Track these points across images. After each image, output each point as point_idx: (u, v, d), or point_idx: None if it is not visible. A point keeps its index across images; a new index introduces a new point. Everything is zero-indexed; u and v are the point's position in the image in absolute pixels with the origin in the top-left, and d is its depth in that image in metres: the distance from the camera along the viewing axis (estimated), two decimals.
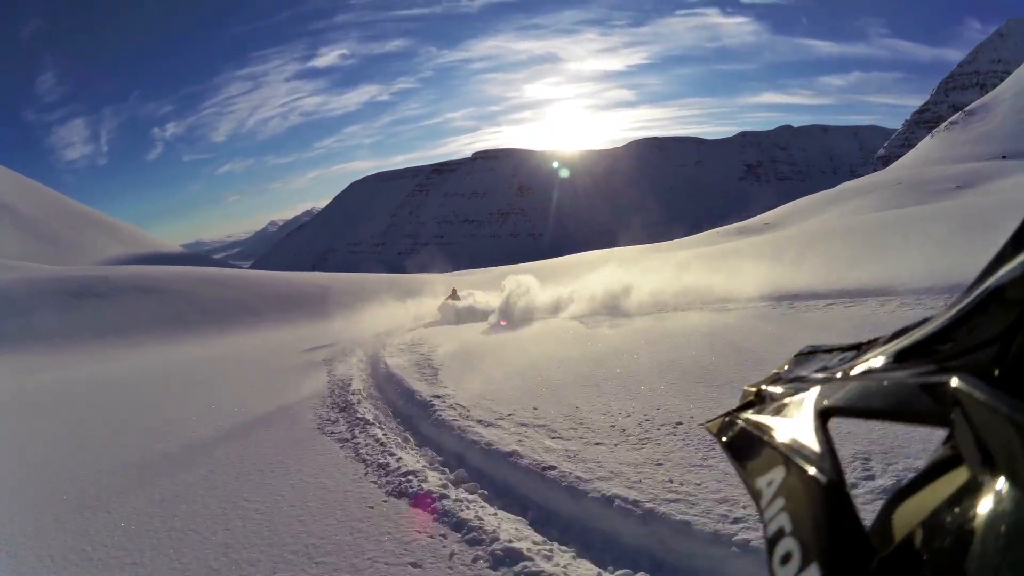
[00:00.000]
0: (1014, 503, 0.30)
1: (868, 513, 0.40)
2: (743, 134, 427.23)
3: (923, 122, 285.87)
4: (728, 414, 0.64)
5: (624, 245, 57.01)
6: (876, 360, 0.47)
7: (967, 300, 0.39)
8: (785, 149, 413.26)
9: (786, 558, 0.40)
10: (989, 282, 0.38)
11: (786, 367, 0.67)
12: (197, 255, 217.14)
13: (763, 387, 0.64)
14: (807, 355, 0.67)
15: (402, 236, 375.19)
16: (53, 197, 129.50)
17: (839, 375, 0.51)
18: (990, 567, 0.29)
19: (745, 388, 0.67)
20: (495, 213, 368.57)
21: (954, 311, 0.40)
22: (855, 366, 0.49)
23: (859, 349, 0.56)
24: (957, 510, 0.34)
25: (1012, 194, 26.27)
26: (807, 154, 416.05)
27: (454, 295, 16.83)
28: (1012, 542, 0.29)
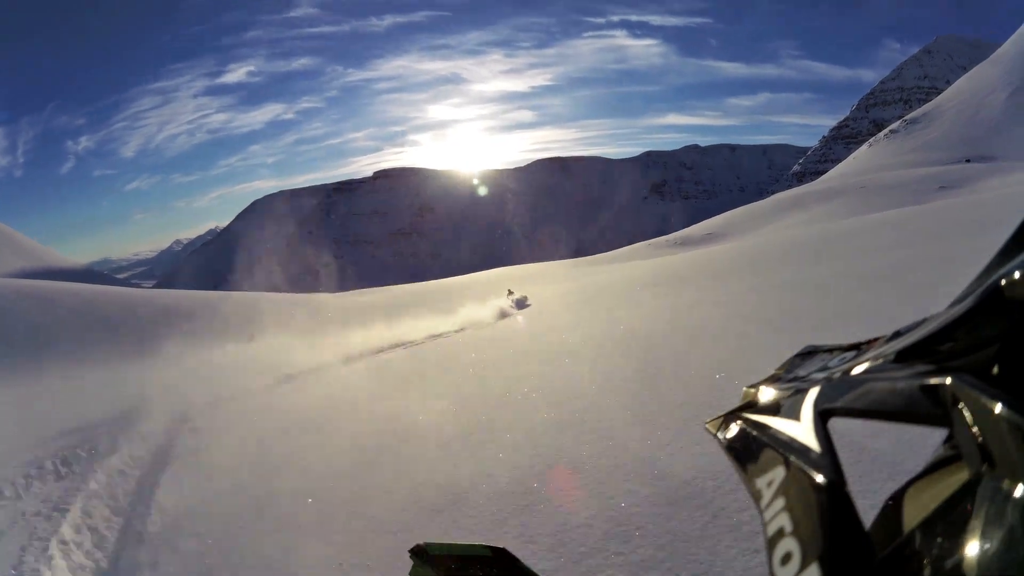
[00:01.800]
0: (1014, 503, 0.29)
1: (868, 513, 0.40)
2: (648, 153, 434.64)
3: (841, 137, 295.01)
4: (728, 414, 0.64)
5: (530, 263, 54.98)
6: (876, 360, 0.47)
7: (967, 300, 0.39)
8: (691, 168, 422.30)
9: (786, 558, 0.39)
10: (989, 282, 0.37)
11: (786, 367, 0.67)
12: (94, 272, 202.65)
13: (763, 387, 0.63)
14: (807, 355, 0.66)
15: (303, 255, 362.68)
16: None
17: (839, 375, 0.51)
18: (990, 567, 0.29)
19: (745, 388, 0.66)
20: (395, 233, 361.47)
21: (954, 311, 0.40)
22: (855, 366, 0.49)
23: (859, 349, 0.55)
24: (957, 510, 0.34)
25: (1009, 190, 27.23)
26: (714, 173, 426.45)
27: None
28: (1012, 542, 0.29)
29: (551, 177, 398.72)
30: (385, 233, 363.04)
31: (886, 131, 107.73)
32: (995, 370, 0.35)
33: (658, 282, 16.13)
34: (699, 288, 12.53)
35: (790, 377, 0.62)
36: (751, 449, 0.54)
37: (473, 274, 48.31)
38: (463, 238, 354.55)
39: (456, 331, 13.73)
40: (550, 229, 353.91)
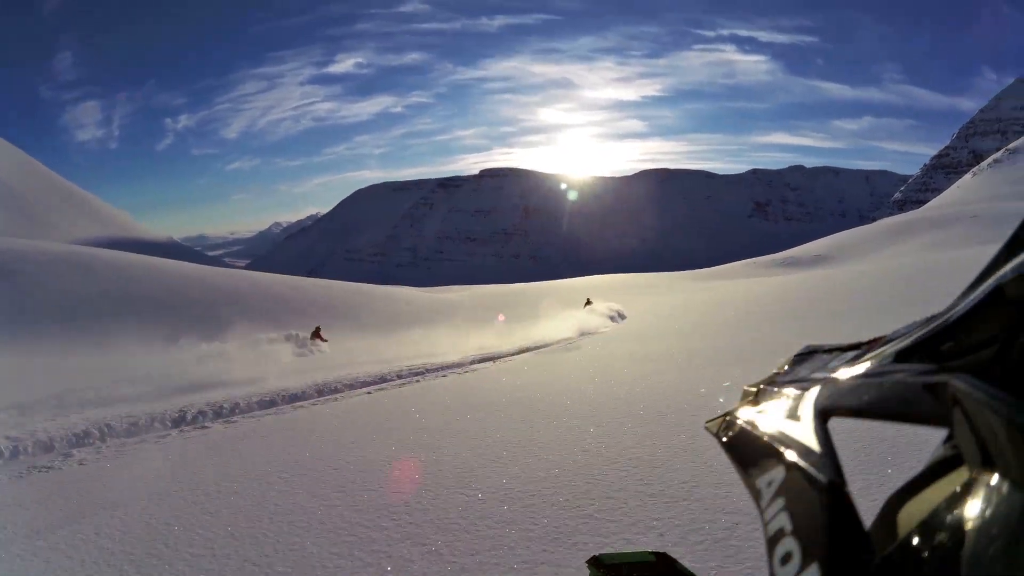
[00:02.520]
0: (1014, 503, 0.30)
1: (868, 513, 0.40)
2: (754, 171, 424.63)
3: (942, 167, 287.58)
4: (728, 414, 0.64)
5: (630, 273, 54.34)
6: (876, 360, 0.47)
7: (967, 300, 0.39)
8: (796, 189, 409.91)
9: (786, 558, 0.39)
10: (989, 282, 0.38)
11: (786, 367, 0.67)
12: (179, 247, 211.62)
13: (763, 387, 0.64)
14: (807, 355, 0.66)
15: (401, 249, 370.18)
16: (43, 173, 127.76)
17: (839, 375, 0.51)
18: (991, 567, 0.29)
19: (745, 388, 0.67)
20: (498, 233, 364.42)
21: (954, 311, 0.40)
22: (855, 366, 0.49)
23: (859, 349, 0.56)
24: (957, 510, 0.34)
25: None
26: (816, 195, 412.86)
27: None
28: (1012, 542, 0.29)
29: (656, 188, 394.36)
30: (488, 232, 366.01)
31: (989, 160, 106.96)
32: (995, 370, 0.35)
33: (780, 310, 13.94)
34: (840, 319, 10.52)
35: (790, 377, 0.62)
36: (751, 449, 0.54)
37: (570, 279, 47.08)
38: (565, 242, 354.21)
39: (510, 353, 11.23)
40: (652, 240, 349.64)
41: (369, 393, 7.57)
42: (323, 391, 7.61)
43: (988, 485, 0.32)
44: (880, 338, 0.52)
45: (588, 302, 22.47)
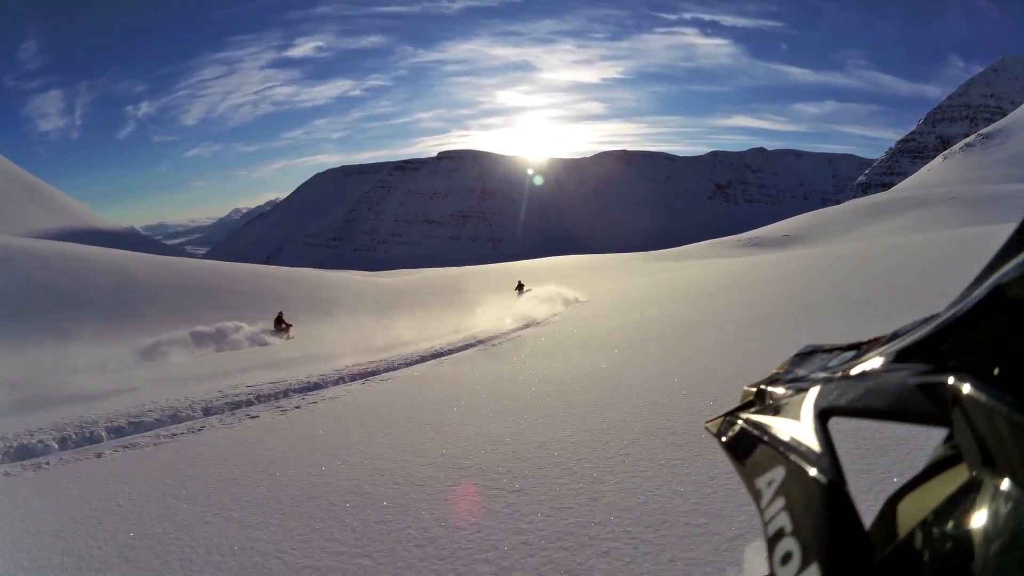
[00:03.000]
0: (1014, 503, 0.29)
1: (868, 513, 0.39)
2: (715, 153, 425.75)
3: (908, 151, 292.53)
4: (728, 414, 0.64)
5: (590, 254, 53.14)
6: (876, 360, 0.47)
7: (967, 300, 0.39)
8: (757, 172, 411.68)
9: (786, 558, 0.39)
10: (989, 282, 0.37)
11: (786, 367, 0.67)
12: (138, 237, 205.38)
13: (763, 387, 0.64)
14: (807, 355, 0.66)
15: (359, 232, 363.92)
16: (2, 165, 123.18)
17: (839, 375, 0.51)
18: (990, 567, 0.29)
19: (745, 388, 0.67)
20: (456, 215, 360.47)
21: (954, 311, 0.40)
22: (855, 366, 0.49)
23: (859, 349, 0.55)
24: (957, 510, 0.34)
25: None
26: (778, 178, 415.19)
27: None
28: (1012, 542, 0.29)
29: (616, 170, 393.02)
30: (445, 214, 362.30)
31: (961, 144, 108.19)
32: (995, 370, 0.35)
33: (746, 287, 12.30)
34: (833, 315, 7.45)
35: (790, 377, 0.62)
36: (751, 449, 0.54)
37: (526, 261, 46.31)
38: (524, 224, 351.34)
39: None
40: (612, 222, 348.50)
41: None
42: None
43: (988, 485, 0.32)
44: (880, 338, 0.52)
45: (520, 287, 21.10)
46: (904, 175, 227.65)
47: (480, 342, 9.66)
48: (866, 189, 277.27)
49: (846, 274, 12.04)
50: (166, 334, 12.76)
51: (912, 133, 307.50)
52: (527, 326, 11.95)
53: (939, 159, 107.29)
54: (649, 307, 12.33)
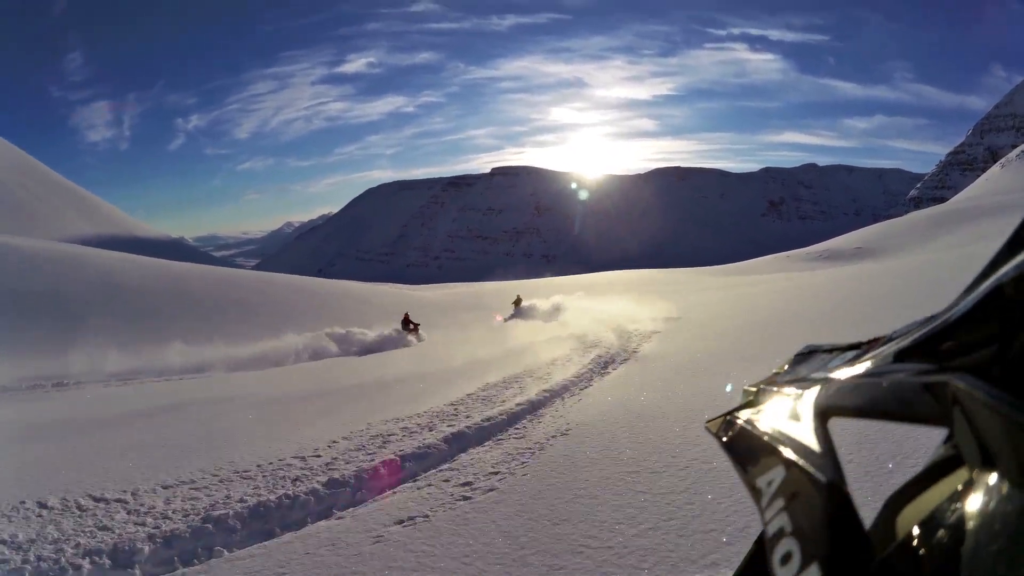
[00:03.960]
0: (1014, 503, 0.30)
1: (868, 513, 0.40)
2: (767, 170, 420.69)
3: (957, 163, 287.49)
4: (728, 414, 0.64)
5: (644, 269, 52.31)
6: (876, 360, 0.47)
7: (967, 300, 0.39)
8: (810, 188, 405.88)
9: (786, 558, 0.39)
10: (989, 282, 0.37)
11: (786, 367, 0.67)
12: (182, 246, 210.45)
13: (763, 387, 0.64)
14: (807, 355, 0.66)
15: (411, 248, 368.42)
16: (39, 170, 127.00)
17: (839, 375, 0.51)
18: (991, 567, 0.29)
19: (745, 388, 0.67)
20: (510, 231, 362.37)
21: (954, 311, 0.40)
22: (855, 366, 0.49)
23: (859, 349, 0.56)
24: (957, 510, 0.34)
25: None
26: (831, 194, 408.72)
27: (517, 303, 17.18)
28: (1012, 542, 0.29)
29: (670, 186, 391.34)
30: (499, 230, 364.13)
31: (1018, 151, 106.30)
32: (995, 370, 0.35)
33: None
34: None
35: (790, 377, 0.61)
36: (751, 449, 0.54)
37: (585, 275, 45.26)
38: (578, 240, 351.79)
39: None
40: (665, 238, 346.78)
41: None
42: None
43: (988, 485, 0.32)
44: (880, 338, 0.52)
45: (518, 302, 17.93)
46: (955, 188, 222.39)
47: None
48: (918, 203, 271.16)
49: (958, 286, 11.93)
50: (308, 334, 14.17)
51: (961, 145, 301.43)
52: (610, 362, 8.03)
53: (996, 168, 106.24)
54: (762, 328, 10.10)
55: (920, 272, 15.35)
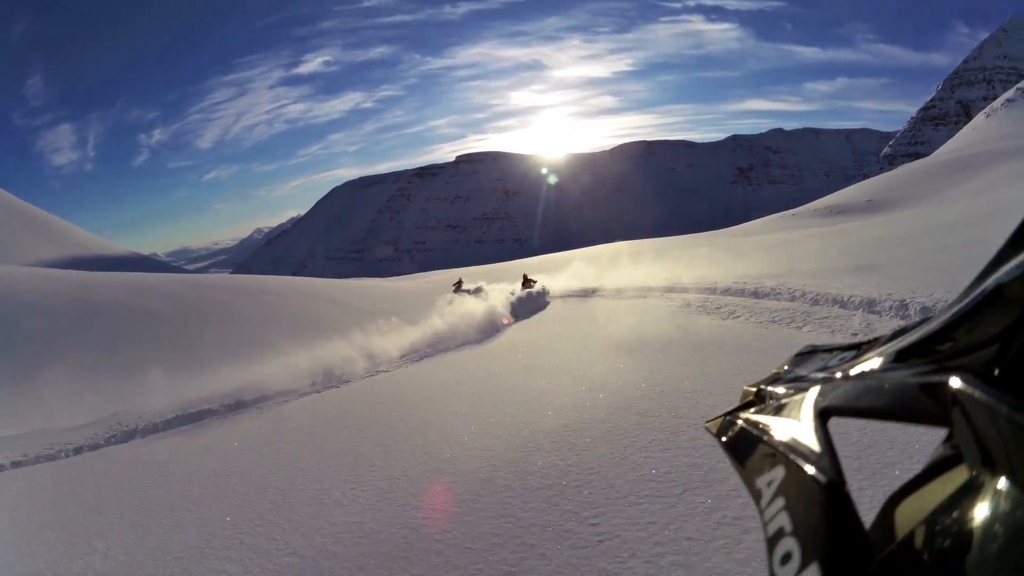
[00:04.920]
0: (1014, 503, 0.29)
1: (868, 513, 0.39)
2: (734, 137, 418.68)
3: (929, 119, 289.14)
4: (728, 414, 0.63)
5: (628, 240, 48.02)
6: (876, 360, 0.47)
7: (967, 300, 0.39)
8: (777, 152, 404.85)
9: (786, 558, 0.39)
10: (989, 282, 0.37)
11: (786, 367, 0.67)
12: (146, 260, 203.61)
13: (763, 387, 0.63)
14: (807, 355, 0.66)
15: (382, 242, 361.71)
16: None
17: (839, 375, 0.50)
18: (990, 567, 0.29)
19: (745, 388, 0.66)
20: (479, 218, 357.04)
21: (954, 311, 0.40)
22: (855, 366, 0.49)
23: (859, 349, 0.55)
24: (957, 510, 0.34)
25: None
26: (799, 157, 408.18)
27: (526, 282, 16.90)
28: (1012, 542, 0.28)
29: (637, 161, 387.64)
30: (469, 218, 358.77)
31: (1002, 100, 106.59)
32: (996, 370, 0.35)
33: None
34: None
35: (790, 377, 0.61)
36: (751, 449, 0.54)
37: (565, 252, 42.36)
38: (550, 222, 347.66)
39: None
40: (638, 212, 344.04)
41: None
42: None
43: (988, 485, 0.32)
44: (880, 338, 0.52)
45: (527, 282, 16.97)
46: (928, 143, 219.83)
47: None
48: (892, 160, 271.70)
49: None
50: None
51: (932, 101, 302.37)
52: None
53: (981, 117, 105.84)
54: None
55: (963, 223, 13.23)
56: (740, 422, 0.59)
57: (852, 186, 60.62)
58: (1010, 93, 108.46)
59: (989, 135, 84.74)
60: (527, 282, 16.75)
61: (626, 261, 18.57)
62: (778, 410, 0.54)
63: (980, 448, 0.33)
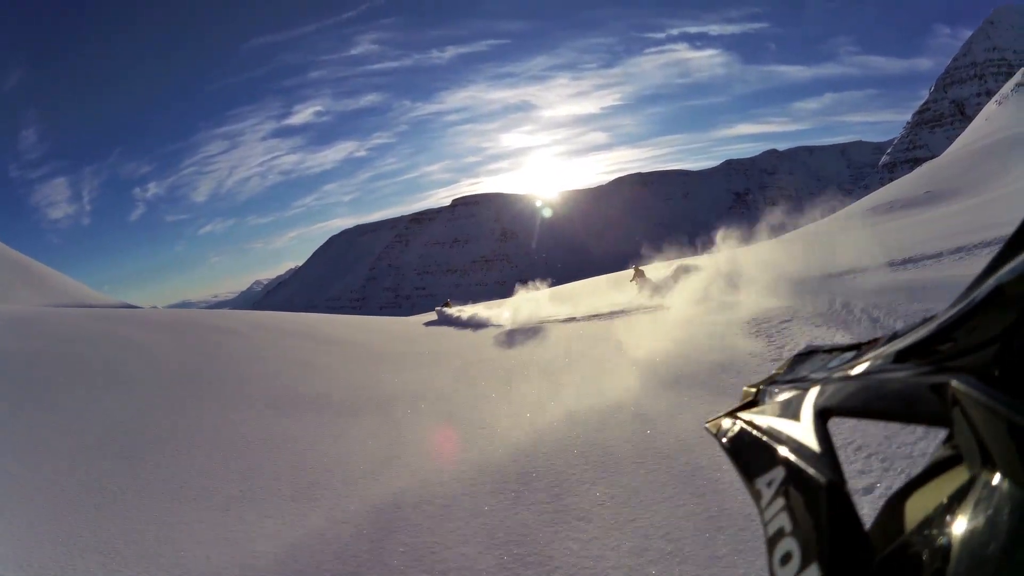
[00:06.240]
0: (1014, 503, 0.29)
1: (868, 513, 0.39)
2: (728, 162, 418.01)
3: (925, 122, 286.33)
4: (728, 414, 0.63)
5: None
6: (876, 360, 0.47)
7: (967, 300, 0.39)
8: (773, 174, 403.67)
9: (786, 558, 0.39)
10: (989, 282, 0.37)
11: (786, 367, 0.67)
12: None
13: (763, 387, 0.63)
14: (807, 355, 0.66)
15: (381, 289, 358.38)
16: None
17: (839, 375, 0.50)
18: (990, 567, 0.29)
19: (745, 388, 0.67)
20: (479, 260, 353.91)
21: (954, 311, 0.40)
22: (855, 366, 0.49)
23: (859, 349, 0.55)
24: (957, 510, 0.34)
25: None
26: (795, 177, 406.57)
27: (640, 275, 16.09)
28: (1012, 542, 0.28)
29: (633, 194, 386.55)
30: (467, 261, 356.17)
31: (1011, 86, 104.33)
32: (995, 371, 0.35)
33: None
34: None
35: (790, 377, 0.61)
36: (751, 449, 0.53)
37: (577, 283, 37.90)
38: (548, 260, 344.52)
39: None
40: (640, 243, 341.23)
41: None
42: None
43: (988, 485, 0.32)
44: (879, 338, 0.52)
45: (638, 272, 15.77)
46: (927, 146, 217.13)
47: None
48: (892, 169, 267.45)
49: None
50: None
51: (925, 104, 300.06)
52: None
53: (992, 105, 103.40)
54: None
55: None
56: (740, 422, 0.59)
57: (900, 179, 57.91)
58: (1018, 77, 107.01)
59: (1007, 122, 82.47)
60: (639, 275, 15.37)
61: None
62: (778, 410, 0.54)
63: (980, 448, 0.33)
